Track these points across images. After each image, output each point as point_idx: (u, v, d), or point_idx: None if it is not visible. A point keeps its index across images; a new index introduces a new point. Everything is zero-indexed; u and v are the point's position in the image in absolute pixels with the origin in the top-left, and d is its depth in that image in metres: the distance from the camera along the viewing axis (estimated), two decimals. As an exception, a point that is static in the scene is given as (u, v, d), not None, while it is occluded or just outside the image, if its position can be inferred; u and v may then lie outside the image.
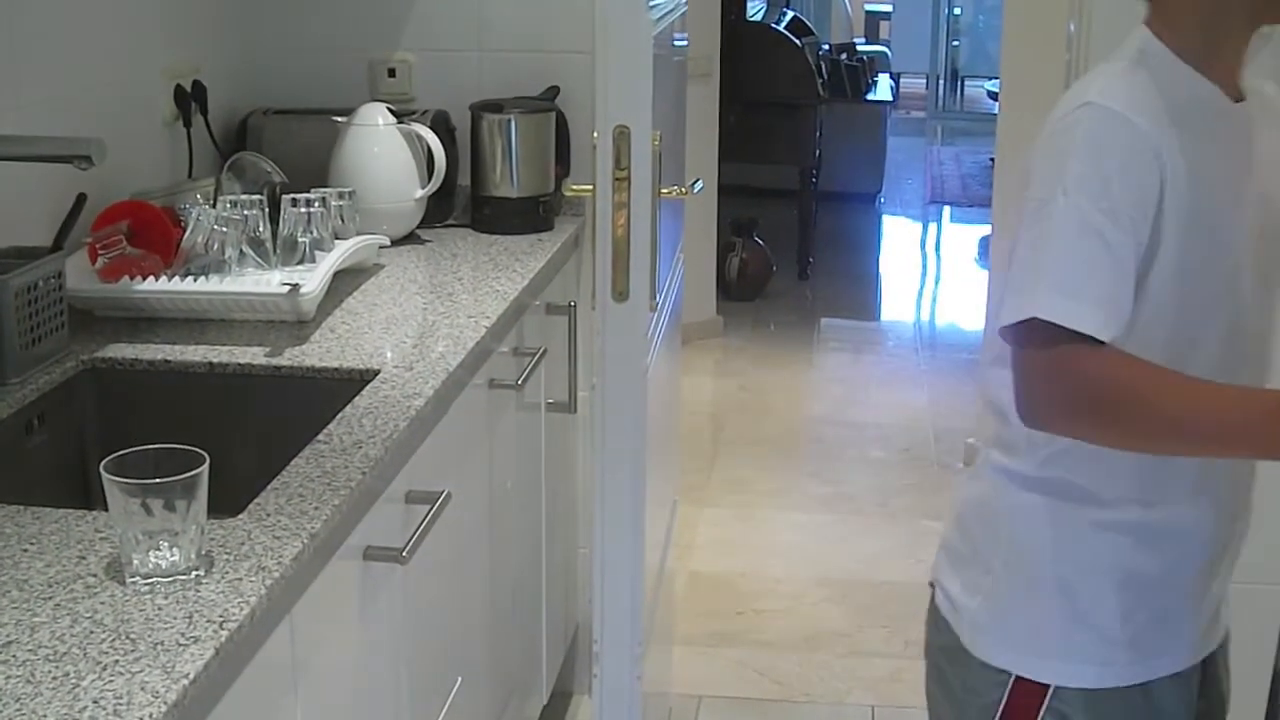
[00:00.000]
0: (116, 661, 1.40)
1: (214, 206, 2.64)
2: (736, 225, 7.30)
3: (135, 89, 2.90)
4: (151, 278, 2.49)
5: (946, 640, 1.94)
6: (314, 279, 2.51)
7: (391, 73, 3.38)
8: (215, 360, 2.35)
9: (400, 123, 3.07)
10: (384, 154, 3.03)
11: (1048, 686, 1.84)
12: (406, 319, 2.58)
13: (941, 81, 12.79)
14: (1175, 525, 1.82)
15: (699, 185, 3.08)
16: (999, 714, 1.86)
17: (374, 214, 2.94)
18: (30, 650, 1.41)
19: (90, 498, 2.19)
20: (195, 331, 2.46)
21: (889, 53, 11.78)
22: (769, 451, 5.49)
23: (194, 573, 1.56)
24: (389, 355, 2.35)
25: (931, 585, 2.00)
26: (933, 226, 9.42)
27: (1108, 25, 2.91)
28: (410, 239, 3.11)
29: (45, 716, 1.30)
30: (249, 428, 2.31)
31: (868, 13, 13.37)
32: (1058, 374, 1.65)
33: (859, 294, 7.88)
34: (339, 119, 3.08)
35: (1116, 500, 1.80)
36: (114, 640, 1.44)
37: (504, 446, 2.77)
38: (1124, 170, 1.65)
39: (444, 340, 2.44)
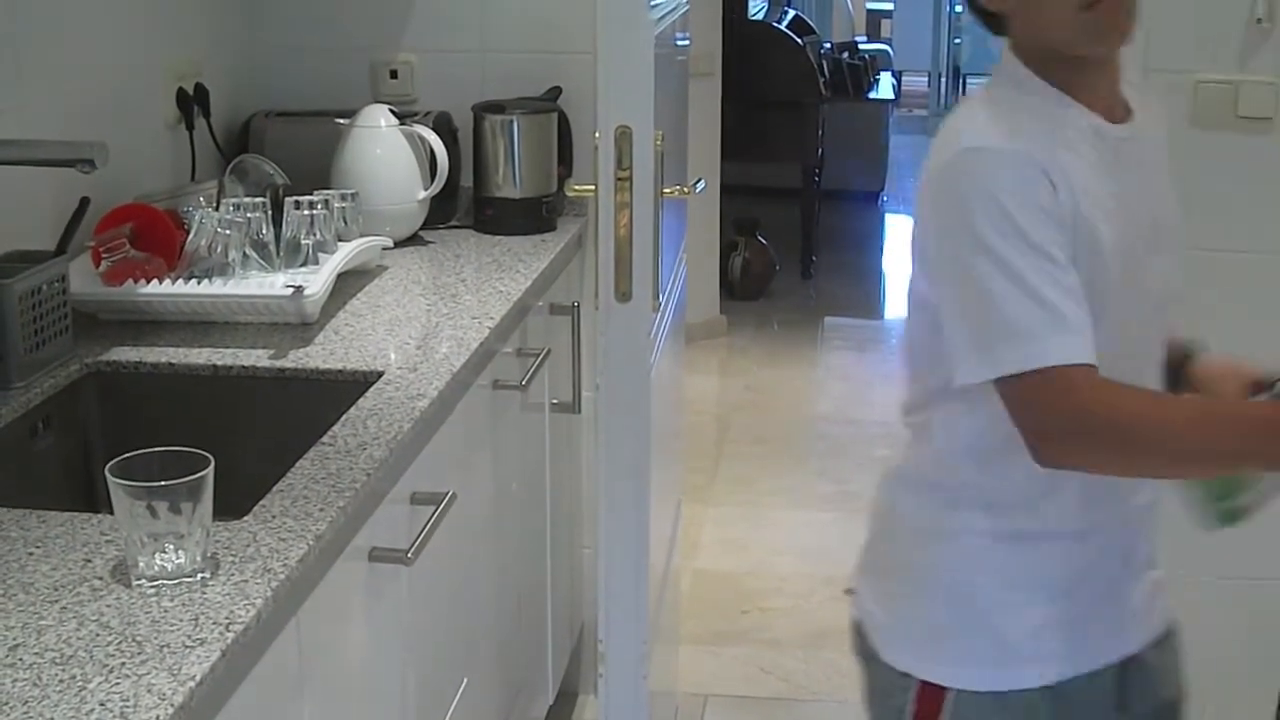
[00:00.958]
0: (123, 664, 1.40)
1: (217, 209, 2.64)
2: (739, 224, 7.30)
3: (138, 92, 2.90)
4: (155, 281, 2.50)
5: (862, 645, 1.96)
6: (317, 281, 2.51)
7: (394, 74, 3.39)
8: (219, 363, 2.35)
9: (403, 124, 3.07)
10: (386, 155, 3.03)
11: (949, 690, 1.84)
12: (410, 320, 2.58)
13: (943, 79, 12.79)
14: (1067, 530, 1.81)
15: (701, 185, 3.08)
16: (908, 718, 1.87)
17: (377, 215, 2.94)
18: (37, 653, 1.42)
19: (95, 501, 2.19)
20: (199, 334, 2.46)
21: (890, 51, 11.77)
22: (773, 450, 5.50)
23: (200, 575, 1.57)
24: (393, 357, 2.36)
25: (849, 591, 2.02)
26: (935, 224, 9.40)
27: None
28: (413, 240, 3.11)
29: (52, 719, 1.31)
30: (254, 430, 2.31)
31: (869, 11, 13.37)
32: (1074, 412, 1.64)
33: (863, 292, 7.88)
34: (341, 121, 3.08)
35: (1008, 507, 1.81)
36: (120, 643, 1.44)
37: (508, 447, 2.78)
38: (1023, 204, 1.64)
39: (448, 341, 2.45)
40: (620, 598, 2.58)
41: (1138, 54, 2.85)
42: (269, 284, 2.52)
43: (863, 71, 8.92)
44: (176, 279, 2.51)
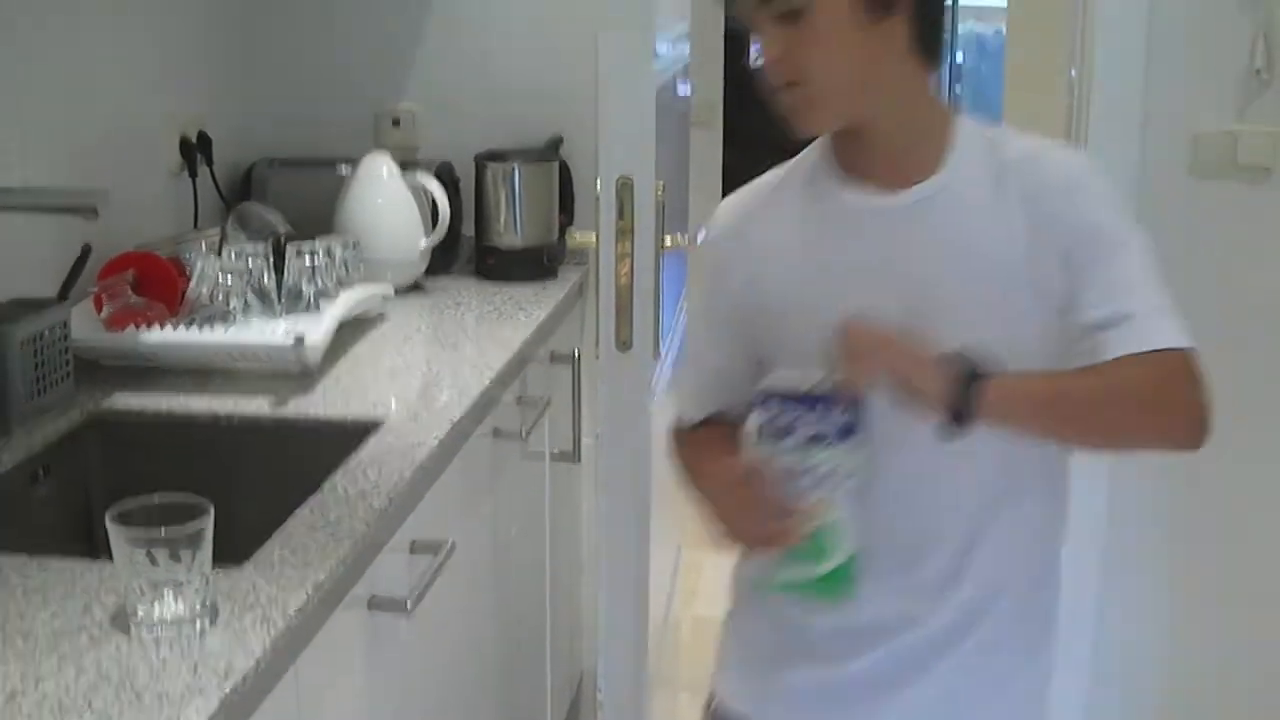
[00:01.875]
0: (121, 713, 1.39)
1: (219, 256, 2.65)
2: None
3: (141, 139, 2.91)
4: (157, 327, 2.50)
5: None
6: (319, 329, 2.52)
7: (396, 123, 3.40)
8: (220, 410, 2.35)
9: (405, 173, 3.08)
10: (388, 204, 3.04)
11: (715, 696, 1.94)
12: (411, 368, 2.58)
13: (944, 128, 12.79)
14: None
15: (703, 234, 3.08)
16: None
17: (378, 264, 2.94)
18: (35, 703, 1.41)
19: (95, 547, 2.18)
20: (200, 381, 2.47)
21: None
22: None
23: (199, 623, 1.56)
24: (393, 405, 2.36)
25: None
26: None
27: (1108, 72, 2.93)
28: (415, 288, 3.12)
29: (50, 768, 1.31)
30: (254, 477, 2.31)
31: (870, 60, 13.40)
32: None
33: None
34: (344, 169, 3.09)
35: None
36: (119, 692, 1.43)
37: (508, 496, 2.77)
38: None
39: (448, 390, 2.45)
40: (619, 646, 2.58)
41: (1137, 104, 2.88)
42: (270, 332, 2.53)
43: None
44: (178, 326, 2.52)
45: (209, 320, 2.54)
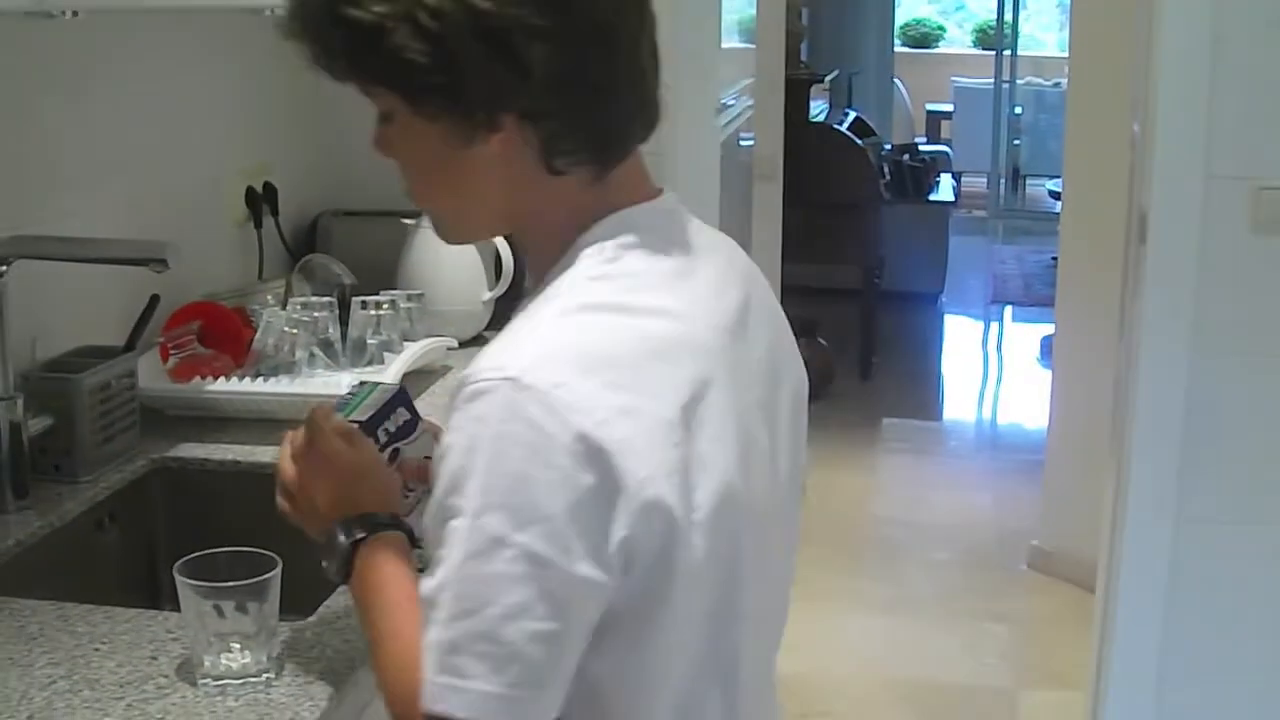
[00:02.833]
0: (187, 764, 1.40)
1: (284, 308, 2.67)
2: (799, 325, 7.26)
3: (207, 190, 2.94)
4: (222, 378, 2.52)
5: None
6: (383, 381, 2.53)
7: (459, 175, 3.41)
8: (284, 460, 2.36)
9: (468, 225, 3.09)
10: (453, 256, 3.05)
11: None
12: (473, 420, 2.59)
13: (1003, 180, 12.79)
14: None
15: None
16: None
17: (442, 316, 2.96)
18: (102, 752, 1.42)
19: (158, 596, 2.20)
20: (265, 432, 2.48)
21: (950, 152, 11.79)
22: (831, 552, 5.45)
23: (265, 675, 1.57)
24: (456, 456, 2.36)
25: None
26: (994, 326, 9.38)
27: (1170, 125, 2.92)
28: (478, 340, 3.13)
29: (117, 819, 1.31)
30: (317, 528, 2.31)
31: (929, 112, 13.41)
32: None
33: (921, 393, 7.85)
34: (408, 221, 3.11)
35: None
36: (185, 742, 1.44)
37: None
38: None
39: (510, 441, 2.45)
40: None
41: (1199, 158, 2.87)
42: (335, 383, 2.54)
43: (924, 173, 8.92)
44: (243, 377, 2.54)
45: (274, 372, 2.56)
